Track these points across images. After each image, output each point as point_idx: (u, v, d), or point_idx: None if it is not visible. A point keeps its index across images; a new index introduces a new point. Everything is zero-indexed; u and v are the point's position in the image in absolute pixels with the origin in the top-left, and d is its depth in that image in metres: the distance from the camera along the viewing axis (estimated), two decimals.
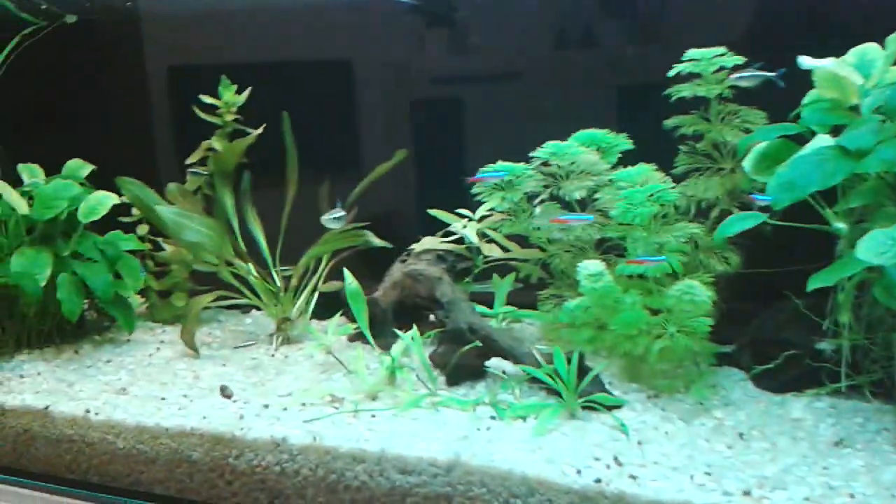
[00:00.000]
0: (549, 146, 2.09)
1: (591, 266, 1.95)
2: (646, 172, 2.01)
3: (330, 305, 2.57)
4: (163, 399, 2.12)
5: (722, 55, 2.03)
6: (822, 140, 1.78)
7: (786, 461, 1.66)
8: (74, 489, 2.08)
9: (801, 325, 1.96)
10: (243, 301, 2.53)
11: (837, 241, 1.88)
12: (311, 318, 2.57)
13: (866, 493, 1.52)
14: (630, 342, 1.95)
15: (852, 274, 1.72)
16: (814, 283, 1.75)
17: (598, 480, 1.60)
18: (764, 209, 1.90)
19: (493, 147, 2.28)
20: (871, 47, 1.87)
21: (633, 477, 1.61)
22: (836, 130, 1.83)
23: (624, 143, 2.13)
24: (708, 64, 2.02)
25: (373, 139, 2.69)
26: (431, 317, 2.40)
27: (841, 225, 1.85)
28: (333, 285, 2.54)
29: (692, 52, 2.05)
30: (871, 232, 1.62)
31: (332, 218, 2.35)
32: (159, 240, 2.66)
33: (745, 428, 1.83)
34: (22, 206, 2.34)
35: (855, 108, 1.85)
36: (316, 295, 2.55)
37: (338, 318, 2.34)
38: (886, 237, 1.59)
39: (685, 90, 2.06)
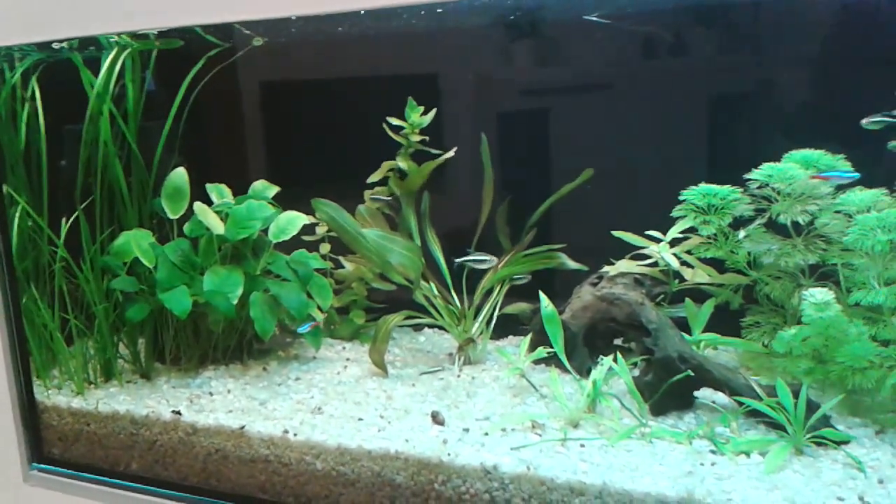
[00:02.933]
0: (766, 168, 2.01)
1: (818, 294, 1.86)
2: (874, 197, 1.91)
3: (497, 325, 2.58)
4: (360, 420, 2.13)
5: None
6: None
7: None
8: None
9: None
10: (423, 320, 2.52)
11: None
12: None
13: None
14: (859, 375, 1.85)
15: None
16: None
17: None
18: None
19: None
20: None
21: None
22: None
23: (844, 165, 2.03)
24: None
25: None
26: (616, 340, 2.36)
27: None
28: (518, 307, 2.52)
29: None
30: None
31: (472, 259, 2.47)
32: (340, 258, 2.69)
33: None
34: (219, 227, 2.40)
35: None
36: (496, 316, 2.52)
37: (527, 340, 2.31)
38: None
39: None
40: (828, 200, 1.97)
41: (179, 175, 2.52)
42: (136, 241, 2.44)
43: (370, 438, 2.01)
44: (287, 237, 2.46)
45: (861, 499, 1.61)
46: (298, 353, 2.64)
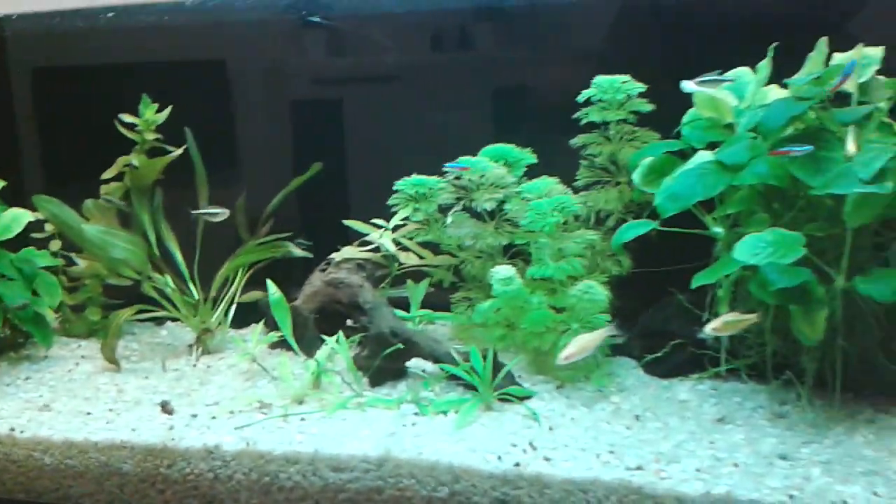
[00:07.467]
0: (463, 161, 2.25)
1: (502, 271, 2.13)
2: (549, 185, 2.21)
3: (241, 315, 2.67)
4: (88, 414, 2.15)
5: (625, 83, 2.23)
6: (703, 156, 2.01)
7: (677, 438, 1.88)
8: None
9: (685, 317, 2.18)
10: (161, 314, 2.56)
11: (716, 243, 2.11)
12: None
13: (748, 462, 1.75)
14: (538, 339, 2.13)
15: (730, 272, 1.94)
16: (697, 281, 1.97)
17: (517, 464, 1.77)
18: None
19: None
20: (744, 71, 2.10)
21: (547, 459, 1.80)
22: (712, 146, 2.05)
23: (529, 157, 2.31)
24: (614, 91, 2.22)
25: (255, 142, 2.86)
26: (349, 322, 2.53)
27: (719, 229, 2.09)
28: (253, 295, 2.62)
29: (599, 80, 2.25)
30: (747, 236, 1.85)
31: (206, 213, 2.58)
32: (73, 255, 2.65)
33: (640, 410, 2.04)
34: None
35: (730, 126, 2.08)
36: (234, 305, 2.61)
37: (260, 327, 2.42)
38: (759, 240, 1.82)
39: (593, 115, 2.26)
40: (513, 189, 2.24)
41: None
42: None
43: (97, 431, 2.04)
44: (11, 235, 2.41)
45: (531, 444, 1.86)
46: (31, 352, 2.60)
